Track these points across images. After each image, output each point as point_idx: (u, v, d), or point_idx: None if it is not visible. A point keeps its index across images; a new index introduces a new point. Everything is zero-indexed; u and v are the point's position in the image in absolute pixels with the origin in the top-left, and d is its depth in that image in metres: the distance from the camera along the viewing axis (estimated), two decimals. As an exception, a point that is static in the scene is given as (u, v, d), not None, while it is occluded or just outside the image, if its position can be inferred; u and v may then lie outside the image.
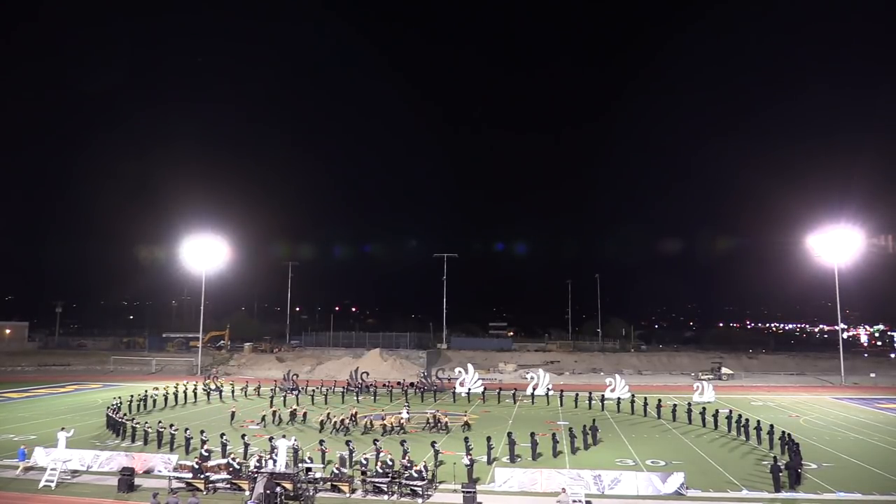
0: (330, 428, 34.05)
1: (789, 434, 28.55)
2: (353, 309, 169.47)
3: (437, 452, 26.11)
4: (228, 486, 22.74)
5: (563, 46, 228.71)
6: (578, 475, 23.02)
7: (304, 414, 37.26)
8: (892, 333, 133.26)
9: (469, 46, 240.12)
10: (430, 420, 35.23)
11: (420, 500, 21.63)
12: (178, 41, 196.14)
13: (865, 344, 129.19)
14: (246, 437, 28.31)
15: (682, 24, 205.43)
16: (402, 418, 35.04)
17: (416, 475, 22.22)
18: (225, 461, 24.47)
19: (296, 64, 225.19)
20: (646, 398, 42.93)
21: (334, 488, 22.44)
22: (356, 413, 36.36)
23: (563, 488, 20.80)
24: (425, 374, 60.94)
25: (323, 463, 25.80)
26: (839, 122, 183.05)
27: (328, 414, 35.60)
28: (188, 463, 24.47)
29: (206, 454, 25.40)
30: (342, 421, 34.57)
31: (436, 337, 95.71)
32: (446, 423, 35.21)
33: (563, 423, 37.31)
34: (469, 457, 23.86)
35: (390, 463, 23.06)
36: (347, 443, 26.73)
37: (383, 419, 34.40)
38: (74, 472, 24.85)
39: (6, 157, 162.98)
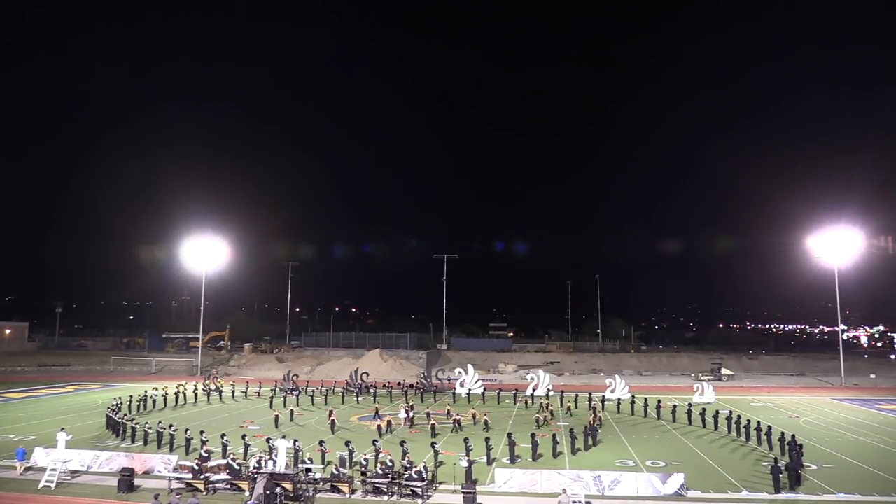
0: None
1: (793, 435, 28.48)
2: (353, 309, 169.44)
3: (436, 453, 26.10)
4: (228, 486, 22.75)
5: (563, 46, 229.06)
6: (578, 476, 23.03)
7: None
8: (892, 334, 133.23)
9: (469, 45, 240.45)
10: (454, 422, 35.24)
11: (420, 501, 21.62)
12: (178, 41, 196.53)
13: (865, 345, 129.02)
14: (246, 438, 28.32)
15: (683, 23, 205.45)
16: (400, 417, 35.13)
17: (415, 476, 22.22)
18: (225, 462, 24.47)
19: (296, 64, 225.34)
20: (646, 399, 42.93)
21: (334, 489, 22.44)
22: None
23: (564, 489, 20.78)
24: (425, 374, 60.88)
25: (323, 463, 25.81)
26: (839, 122, 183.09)
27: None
28: (188, 463, 24.48)
29: (206, 455, 25.41)
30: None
31: (436, 337, 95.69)
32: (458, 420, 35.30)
33: (563, 423, 37.33)
34: (468, 458, 23.85)
35: (390, 464, 23.06)
36: (347, 443, 26.72)
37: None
38: (74, 473, 24.84)
39: (6, 156, 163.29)
